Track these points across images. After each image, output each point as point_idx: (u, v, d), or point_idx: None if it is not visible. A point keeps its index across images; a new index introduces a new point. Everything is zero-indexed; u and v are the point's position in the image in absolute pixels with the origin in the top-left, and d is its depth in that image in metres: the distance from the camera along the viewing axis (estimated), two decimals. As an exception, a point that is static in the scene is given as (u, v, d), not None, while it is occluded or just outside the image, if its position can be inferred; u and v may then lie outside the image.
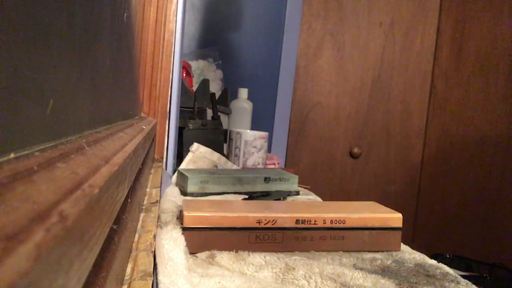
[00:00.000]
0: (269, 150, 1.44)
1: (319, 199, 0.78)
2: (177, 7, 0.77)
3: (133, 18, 0.48)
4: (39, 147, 0.15)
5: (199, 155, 0.86)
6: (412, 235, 1.70)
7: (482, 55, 1.58)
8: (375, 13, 1.66)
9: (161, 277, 0.34)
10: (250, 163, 0.95)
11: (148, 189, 0.57)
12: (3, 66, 0.12)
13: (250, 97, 1.25)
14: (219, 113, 1.06)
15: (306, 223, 0.47)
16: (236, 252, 0.44)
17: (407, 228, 1.68)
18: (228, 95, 1.22)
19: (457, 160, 1.63)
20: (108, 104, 0.32)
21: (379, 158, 1.69)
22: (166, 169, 0.81)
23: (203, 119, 0.97)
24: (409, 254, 0.48)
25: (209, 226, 0.45)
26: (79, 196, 0.12)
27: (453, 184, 1.64)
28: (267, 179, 0.76)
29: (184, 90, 0.97)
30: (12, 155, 0.13)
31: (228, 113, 1.20)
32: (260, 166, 0.96)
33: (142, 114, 0.72)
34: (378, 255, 0.47)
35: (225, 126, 1.13)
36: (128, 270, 0.32)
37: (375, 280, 0.40)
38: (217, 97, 1.12)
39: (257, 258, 0.42)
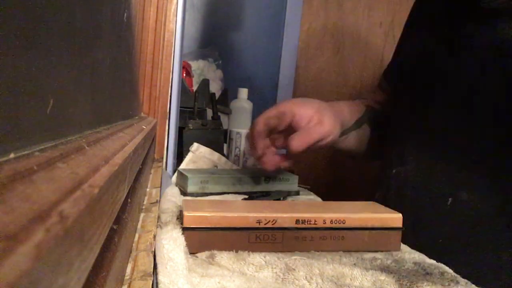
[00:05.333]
0: (269, 150, 1.43)
1: (319, 199, 0.78)
2: (177, 7, 0.77)
3: (133, 18, 0.48)
4: (39, 147, 0.15)
5: (199, 155, 0.86)
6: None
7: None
8: (375, 13, 1.66)
9: (161, 277, 0.34)
10: (250, 163, 0.95)
11: (148, 189, 0.57)
12: (3, 66, 0.12)
13: (250, 97, 1.25)
14: (219, 113, 1.06)
15: (306, 223, 0.47)
16: (236, 252, 0.44)
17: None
18: (228, 95, 1.22)
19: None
20: (108, 104, 0.32)
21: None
22: (166, 169, 0.81)
23: (203, 119, 0.97)
24: (409, 254, 0.48)
25: (209, 226, 0.45)
26: (79, 196, 0.12)
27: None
28: (267, 179, 0.76)
29: (184, 90, 0.97)
30: (12, 155, 0.13)
31: (228, 113, 1.19)
32: (260, 166, 0.96)
33: (142, 114, 0.72)
34: (378, 255, 0.47)
35: (225, 126, 1.13)
36: (128, 270, 0.32)
37: (374, 279, 0.40)
38: (217, 97, 1.12)
39: (257, 258, 0.42)
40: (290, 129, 0.64)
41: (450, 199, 0.56)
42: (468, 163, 0.55)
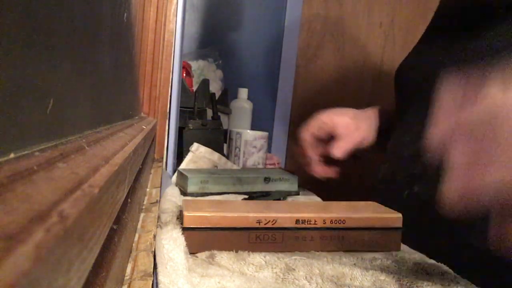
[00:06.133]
0: (269, 150, 1.43)
1: (319, 199, 0.78)
2: (177, 7, 0.77)
3: (133, 18, 0.48)
4: (39, 147, 0.15)
5: (199, 155, 0.86)
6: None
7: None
8: (375, 13, 1.66)
9: (161, 277, 0.34)
10: (250, 163, 0.95)
11: (148, 189, 0.57)
12: (3, 66, 0.12)
13: (250, 97, 1.25)
14: (219, 113, 1.06)
15: (306, 223, 0.47)
16: (236, 252, 0.44)
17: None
18: (228, 95, 1.22)
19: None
20: (108, 104, 0.32)
21: (380, 158, 1.68)
22: (166, 169, 0.81)
23: (203, 119, 0.97)
24: (409, 254, 0.48)
25: (209, 226, 0.45)
26: (79, 196, 0.12)
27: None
28: (267, 179, 0.76)
29: (184, 90, 0.97)
30: (12, 155, 0.13)
31: (228, 113, 1.19)
32: (260, 166, 0.96)
33: (142, 114, 0.72)
34: (378, 255, 0.47)
35: (225, 126, 1.13)
36: (128, 270, 0.32)
37: (374, 279, 0.40)
38: (217, 97, 1.12)
39: (257, 258, 0.42)
40: (331, 138, 0.70)
41: (406, 191, 0.60)
42: (421, 159, 0.60)
